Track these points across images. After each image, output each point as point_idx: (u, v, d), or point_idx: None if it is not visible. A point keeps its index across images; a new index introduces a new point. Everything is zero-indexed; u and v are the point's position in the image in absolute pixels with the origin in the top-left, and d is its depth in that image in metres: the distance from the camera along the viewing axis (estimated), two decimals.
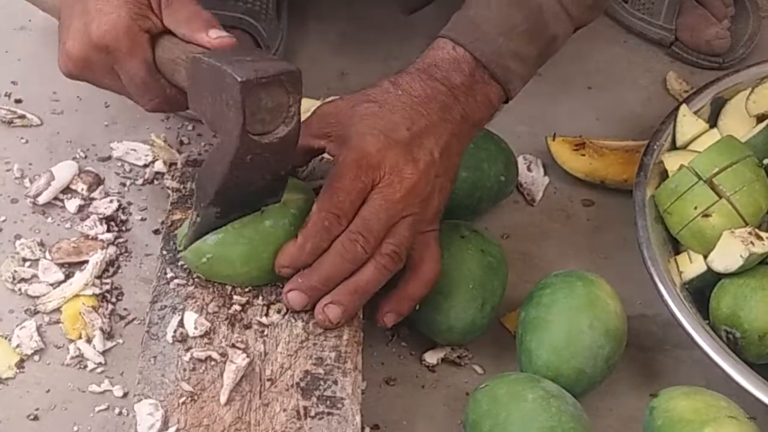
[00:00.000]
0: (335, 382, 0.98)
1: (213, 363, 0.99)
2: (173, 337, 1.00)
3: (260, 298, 1.03)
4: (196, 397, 0.96)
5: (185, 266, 1.04)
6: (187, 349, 0.99)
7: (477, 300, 1.08)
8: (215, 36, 1.02)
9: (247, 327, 1.01)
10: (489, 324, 1.10)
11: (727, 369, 1.04)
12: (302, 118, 1.25)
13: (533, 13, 1.06)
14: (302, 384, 0.98)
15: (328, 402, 0.97)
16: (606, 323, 1.06)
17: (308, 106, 1.26)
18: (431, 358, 1.10)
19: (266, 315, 1.02)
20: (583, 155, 1.27)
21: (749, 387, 1.03)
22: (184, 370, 0.98)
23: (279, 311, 1.03)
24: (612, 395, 1.10)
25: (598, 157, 1.27)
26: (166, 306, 1.02)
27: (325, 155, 1.09)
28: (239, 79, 0.93)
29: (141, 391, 0.97)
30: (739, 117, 1.23)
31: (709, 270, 1.11)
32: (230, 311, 1.02)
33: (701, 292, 1.11)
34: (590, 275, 1.09)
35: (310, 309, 1.02)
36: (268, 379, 0.98)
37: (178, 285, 1.04)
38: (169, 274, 1.04)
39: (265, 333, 1.01)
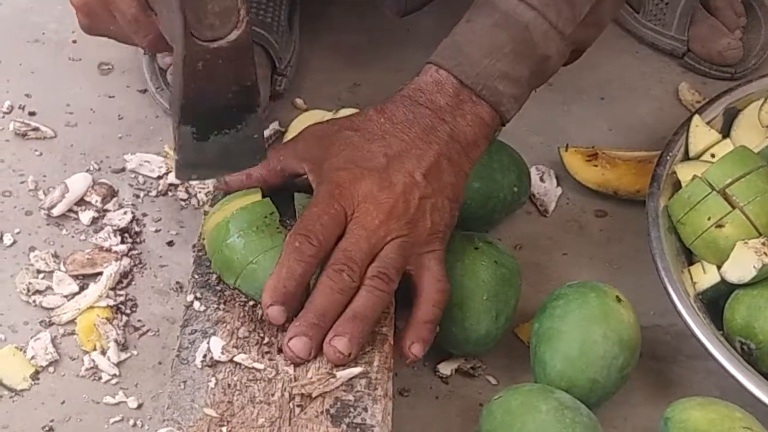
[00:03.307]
0: (365, 409, 0.98)
1: (243, 388, 0.98)
2: (202, 362, 1.00)
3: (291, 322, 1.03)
4: (225, 423, 0.96)
5: (216, 290, 1.04)
6: (216, 374, 0.99)
7: (491, 311, 1.08)
8: None
9: (278, 352, 1.01)
10: (503, 335, 1.10)
11: (741, 380, 1.04)
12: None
13: (519, 33, 1.06)
14: (332, 411, 0.97)
15: (358, 429, 0.96)
16: (620, 333, 1.05)
17: (321, 117, 1.27)
18: (445, 369, 1.10)
19: None
20: (596, 166, 1.27)
21: (764, 398, 1.03)
22: (214, 395, 0.98)
23: None
24: (626, 406, 1.10)
25: (611, 168, 1.27)
26: (196, 330, 1.02)
27: None
28: None
29: (170, 416, 0.96)
30: (752, 127, 1.22)
31: (723, 281, 1.10)
32: (261, 335, 1.02)
33: (715, 302, 1.11)
34: (603, 286, 1.09)
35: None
36: (298, 406, 0.98)
37: (209, 309, 1.03)
38: (200, 298, 1.04)
39: None
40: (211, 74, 0.96)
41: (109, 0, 1.05)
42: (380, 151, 1.04)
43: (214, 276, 1.05)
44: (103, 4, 1.06)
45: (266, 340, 1.01)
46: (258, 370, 1.00)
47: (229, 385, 0.99)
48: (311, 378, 0.99)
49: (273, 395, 0.98)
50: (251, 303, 1.04)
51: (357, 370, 0.99)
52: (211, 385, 0.98)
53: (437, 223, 1.04)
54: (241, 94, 0.99)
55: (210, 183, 1.20)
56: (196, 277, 1.05)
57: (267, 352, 1.01)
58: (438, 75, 1.07)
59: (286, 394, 0.98)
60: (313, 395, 0.98)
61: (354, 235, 1.01)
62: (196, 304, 1.03)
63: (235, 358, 1.00)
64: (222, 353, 1.00)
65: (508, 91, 1.07)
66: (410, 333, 1.03)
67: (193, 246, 1.10)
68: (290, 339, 0.99)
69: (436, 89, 1.07)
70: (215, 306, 1.04)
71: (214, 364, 1.00)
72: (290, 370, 1.00)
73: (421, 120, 1.06)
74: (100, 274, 1.12)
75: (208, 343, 1.01)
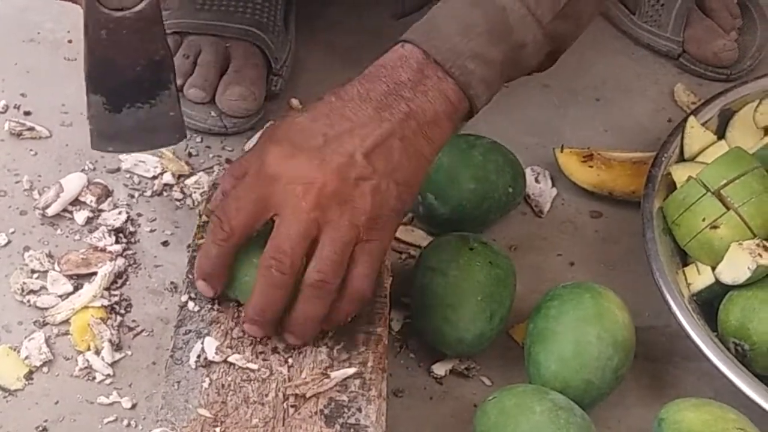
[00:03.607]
0: (359, 410, 0.97)
1: (237, 388, 0.98)
2: (196, 362, 1.00)
3: None
4: (219, 423, 0.96)
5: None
6: (210, 375, 0.99)
7: (485, 312, 1.08)
8: None
9: (273, 352, 1.01)
10: (497, 336, 1.10)
11: (735, 381, 1.04)
12: None
13: (496, 14, 0.99)
14: (326, 411, 0.97)
15: (352, 430, 0.96)
16: (614, 334, 1.06)
17: None
18: (439, 369, 1.10)
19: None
20: (591, 167, 1.27)
21: (758, 399, 1.03)
22: (207, 395, 0.98)
23: None
24: (620, 407, 1.10)
25: (606, 169, 1.27)
26: (190, 330, 1.02)
27: None
28: None
29: (164, 417, 0.96)
30: (747, 129, 1.23)
31: (718, 282, 1.10)
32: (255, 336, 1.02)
33: (710, 303, 1.11)
34: (598, 287, 1.09)
35: (332, 334, 1.01)
36: (292, 406, 0.97)
37: (203, 310, 1.03)
38: (194, 299, 1.04)
39: (290, 358, 1.01)
40: (116, 44, 0.96)
41: None
42: (320, 131, 0.96)
43: None
44: None
45: (260, 340, 1.01)
46: (252, 371, 0.99)
47: (223, 386, 0.99)
48: (305, 378, 0.98)
49: (267, 395, 0.98)
50: None
51: (351, 370, 0.99)
52: (205, 385, 0.98)
53: (378, 206, 0.96)
54: (150, 69, 0.99)
55: (205, 183, 1.20)
56: (191, 277, 1.05)
57: (261, 353, 1.01)
58: (403, 50, 0.99)
59: (280, 395, 0.98)
60: (307, 396, 0.98)
61: (283, 222, 0.95)
62: (191, 305, 1.03)
63: (230, 359, 1.00)
64: (216, 353, 1.00)
65: (479, 72, 0.99)
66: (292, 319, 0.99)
67: (188, 246, 1.10)
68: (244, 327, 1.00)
69: (399, 64, 0.99)
70: (209, 306, 1.03)
71: (208, 364, 1.00)
72: (284, 370, 1.00)
73: (374, 97, 0.97)
74: (95, 274, 1.12)
75: (202, 343, 1.01)
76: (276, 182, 0.95)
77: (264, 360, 1.00)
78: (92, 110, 1.01)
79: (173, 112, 1.03)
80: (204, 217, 1.08)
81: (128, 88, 1.00)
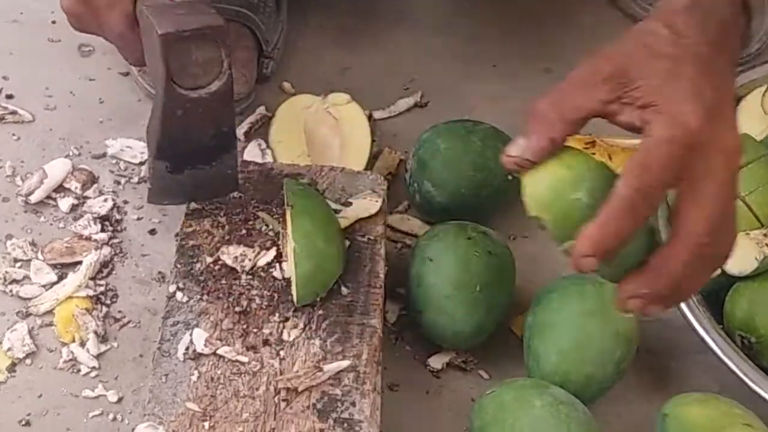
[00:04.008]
0: (353, 404, 0.98)
1: (226, 382, 0.99)
2: (185, 354, 1.00)
3: (277, 314, 1.03)
4: (208, 417, 0.96)
5: (199, 281, 1.05)
6: (199, 368, 0.99)
7: (484, 302, 1.08)
8: None
9: (263, 344, 1.01)
10: (496, 328, 1.11)
11: (741, 375, 1.04)
12: (305, 116, 1.26)
13: None
14: (319, 405, 0.98)
15: (346, 425, 0.97)
16: (616, 327, 1.06)
17: (309, 102, 1.27)
18: (436, 363, 1.11)
19: (283, 332, 1.03)
20: (594, 154, 1.27)
21: (765, 394, 1.03)
22: (196, 389, 0.98)
23: (296, 327, 1.03)
24: (622, 401, 1.10)
25: (609, 156, 1.27)
26: (178, 322, 1.02)
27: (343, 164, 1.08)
28: (159, 32, 0.98)
29: (151, 410, 0.97)
30: (755, 115, 1.23)
31: (723, 273, 1.11)
32: (245, 327, 1.02)
33: (715, 295, 1.11)
34: (601, 278, 1.10)
35: (325, 326, 1.02)
36: (284, 400, 0.98)
37: (192, 300, 1.04)
38: (183, 289, 1.05)
39: (282, 351, 1.01)
40: (190, 120, 1.02)
41: (99, 13, 1.06)
42: (708, 84, 0.89)
43: (198, 265, 1.06)
44: (93, 15, 1.07)
45: (251, 332, 1.02)
46: (242, 363, 1.00)
47: (212, 379, 0.99)
48: (297, 372, 0.99)
49: (258, 389, 0.99)
50: (236, 294, 1.04)
51: (345, 363, 1.00)
52: (194, 378, 0.99)
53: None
54: (218, 137, 1.04)
55: None
56: (179, 266, 1.06)
57: (252, 345, 1.01)
58: None
59: (272, 388, 0.99)
60: (299, 389, 0.98)
61: (710, 199, 0.88)
62: (179, 295, 1.04)
63: (219, 351, 1.00)
64: (205, 345, 1.00)
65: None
66: (642, 281, 0.91)
67: (176, 234, 1.10)
68: (630, 298, 0.91)
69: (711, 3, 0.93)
70: (198, 297, 1.04)
71: (196, 356, 1.00)
72: (276, 363, 1.00)
73: (722, 41, 0.92)
74: (80, 263, 1.13)
75: (190, 335, 1.01)
76: (700, 150, 0.88)
77: (255, 352, 1.01)
78: (155, 173, 1.06)
79: (231, 170, 1.09)
80: (193, 204, 1.09)
81: (194, 155, 1.06)
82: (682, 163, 0.88)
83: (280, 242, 1.07)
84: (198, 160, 1.06)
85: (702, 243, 0.88)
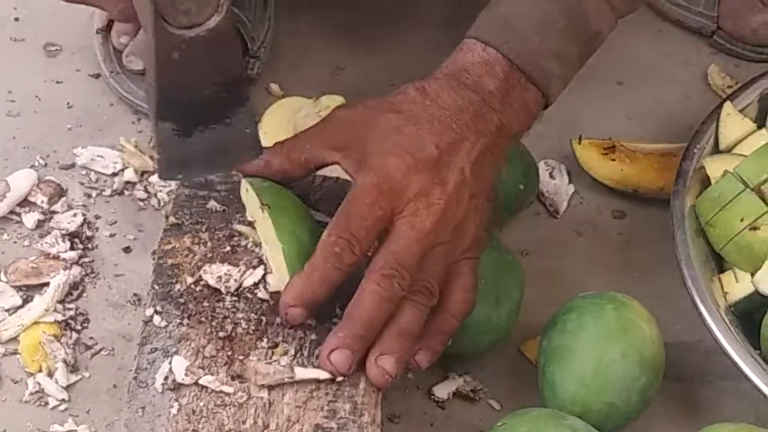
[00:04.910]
0: None
1: (210, 415, 0.98)
2: (163, 384, 0.99)
3: (265, 340, 1.03)
4: None
5: (179, 303, 1.04)
6: (180, 399, 0.99)
7: (491, 297, 1.08)
8: None
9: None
10: (506, 330, 1.10)
11: None
12: (294, 121, 1.26)
13: (572, 6, 1.06)
14: None
15: None
16: (641, 351, 1.06)
17: (299, 106, 1.27)
18: (441, 391, 1.11)
19: (271, 358, 1.02)
20: (613, 160, 1.27)
21: None
22: (176, 423, 0.97)
23: (286, 353, 1.02)
24: None
25: (630, 163, 1.27)
26: (156, 349, 1.01)
27: (338, 174, 1.08)
28: None
29: None
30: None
31: (757, 291, 1.11)
32: (230, 355, 1.01)
33: (749, 315, 1.11)
34: (622, 297, 1.10)
35: (318, 354, 1.02)
36: None
37: (171, 325, 1.03)
38: (161, 312, 1.04)
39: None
40: (189, 66, 0.97)
41: None
42: (431, 141, 1.03)
43: (177, 286, 1.05)
44: None
45: (237, 359, 1.01)
46: (227, 395, 0.99)
47: (193, 411, 0.98)
48: (287, 402, 0.98)
49: (244, 423, 0.98)
50: (219, 318, 1.04)
51: (324, 375, 0.99)
52: (174, 411, 0.98)
53: (479, 226, 1.04)
54: (225, 87, 1.00)
55: (173, 182, 1.20)
56: (156, 288, 1.05)
57: (238, 374, 1.01)
58: (486, 54, 1.06)
59: (260, 422, 0.98)
60: (290, 421, 0.98)
61: (404, 237, 1.00)
62: (156, 319, 1.03)
63: (201, 381, 1.00)
64: (186, 375, 1.00)
65: (557, 72, 1.07)
66: (421, 340, 1.02)
67: (153, 252, 1.10)
68: (332, 351, 0.99)
69: (485, 71, 1.06)
70: (178, 321, 1.03)
71: (176, 387, 0.99)
72: (264, 394, 0.99)
73: (470, 107, 1.05)
74: (47, 284, 1.12)
75: (169, 363, 1.00)
76: (400, 197, 1.01)
77: (241, 383, 1.00)
78: (161, 138, 1.02)
79: (249, 128, 1.05)
80: (172, 219, 1.08)
81: (201, 110, 1.02)
82: (384, 210, 1.00)
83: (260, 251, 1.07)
84: (207, 117, 1.02)
85: (386, 275, 0.99)
